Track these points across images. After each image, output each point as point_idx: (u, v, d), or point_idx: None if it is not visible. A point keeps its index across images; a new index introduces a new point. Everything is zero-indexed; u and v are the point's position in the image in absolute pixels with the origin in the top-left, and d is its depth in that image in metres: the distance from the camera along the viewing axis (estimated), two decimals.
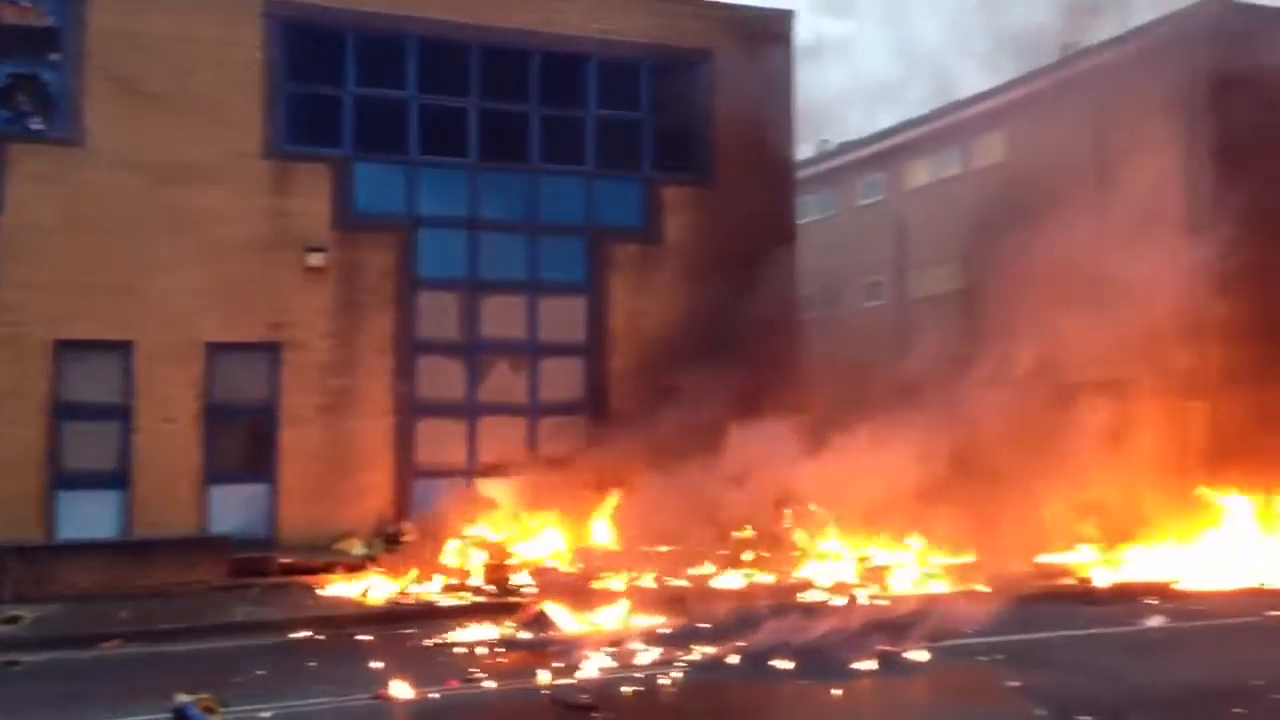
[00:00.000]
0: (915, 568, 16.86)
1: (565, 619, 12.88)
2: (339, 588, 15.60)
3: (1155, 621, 12.74)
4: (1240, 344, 20.09)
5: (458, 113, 19.75)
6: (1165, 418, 20.52)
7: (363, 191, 19.05)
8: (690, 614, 13.04)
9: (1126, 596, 14.84)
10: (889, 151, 30.90)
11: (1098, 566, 17.06)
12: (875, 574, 16.48)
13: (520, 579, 15.92)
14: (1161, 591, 15.22)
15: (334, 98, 19.10)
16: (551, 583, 15.32)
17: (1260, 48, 19.03)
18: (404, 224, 19.29)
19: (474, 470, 19.29)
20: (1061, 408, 18.28)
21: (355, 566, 16.54)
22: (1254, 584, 15.89)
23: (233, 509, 17.84)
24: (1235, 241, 19.26)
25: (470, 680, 10.07)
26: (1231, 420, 20.84)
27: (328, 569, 16.40)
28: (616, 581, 15.52)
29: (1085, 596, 15.00)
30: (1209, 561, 17.29)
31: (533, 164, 20.18)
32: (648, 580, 15.71)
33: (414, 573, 15.87)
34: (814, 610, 13.16)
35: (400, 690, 9.52)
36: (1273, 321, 19.66)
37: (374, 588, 15.48)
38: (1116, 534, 18.94)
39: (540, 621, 12.85)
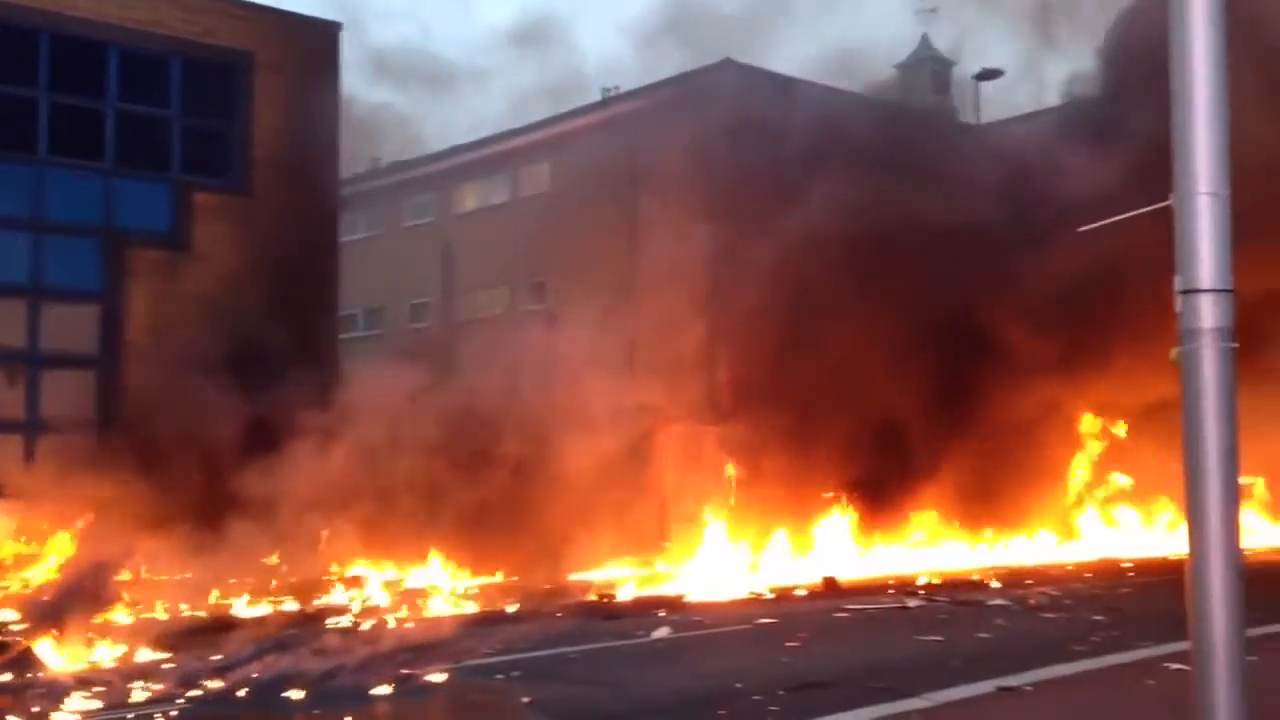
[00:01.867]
0: (448, 589, 16.91)
1: (55, 657, 11.60)
2: None
3: (662, 632, 13.55)
4: (746, 372, 22.03)
5: None
6: (685, 440, 22.12)
7: None
8: (202, 646, 12.19)
9: (642, 610, 15.74)
10: (440, 174, 31.13)
11: (625, 582, 18.01)
12: (407, 597, 16.34)
13: (5, 615, 14.18)
14: (673, 604, 16.30)
15: None
16: (43, 617, 13.75)
17: (767, 108, 21.19)
18: None
19: None
20: (598, 429, 19.20)
21: None
22: (749, 594, 17.43)
23: None
24: (744, 282, 21.22)
25: None
26: (739, 441, 22.88)
27: None
28: (123, 613, 14.23)
29: (605, 611, 15.72)
30: (716, 574, 18.83)
31: (39, 155, 18.23)
32: (161, 611, 14.56)
33: None
34: (337, 636, 12.79)
35: None
36: (770, 352, 21.65)
37: None
38: (647, 548, 20.19)
39: (24, 661, 11.48)
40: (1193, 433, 5.09)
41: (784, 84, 23.14)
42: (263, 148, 20.03)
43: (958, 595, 16.82)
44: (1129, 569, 20.63)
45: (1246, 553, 5.31)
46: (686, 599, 16.81)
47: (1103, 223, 5.90)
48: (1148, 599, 15.83)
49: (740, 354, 21.71)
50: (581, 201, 25.05)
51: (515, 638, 12.81)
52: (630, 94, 25.71)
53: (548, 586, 16.86)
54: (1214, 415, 5.06)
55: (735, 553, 20.05)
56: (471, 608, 15.76)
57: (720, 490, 22.46)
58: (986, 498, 23.64)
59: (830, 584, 18.14)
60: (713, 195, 22.08)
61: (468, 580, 17.36)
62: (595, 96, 28.25)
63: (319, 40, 20.84)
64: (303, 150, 20.16)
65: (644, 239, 23.21)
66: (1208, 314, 5.08)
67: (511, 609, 15.43)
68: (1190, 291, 5.11)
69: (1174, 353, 5.17)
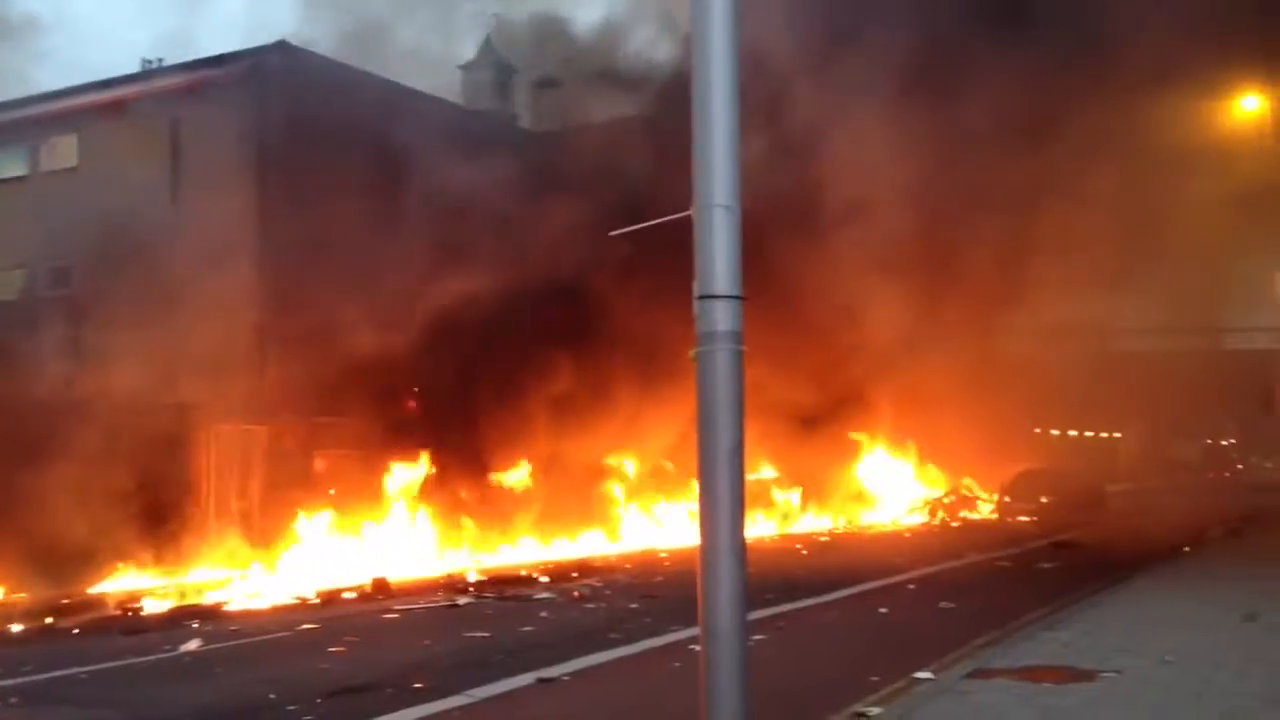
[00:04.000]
0: None
1: None
2: None
3: (192, 645, 12.65)
4: (301, 367, 21.17)
5: None
6: (227, 439, 20.94)
7: None
8: None
9: (173, 622, 14.62)
10: None
11: (154, 593, 16.66)
12: None
13: None
14: (208, 614, 15.28)
15: None
16: None
17: (323, 93, 20.53)
18: None
19: None
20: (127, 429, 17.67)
21: None
22: (294, 599, 16.75)
23: None
24: (298, 271, 20.38)
25: None
26: (292, 441, 22.00)
27: None
28: None
29: (129, 625, 14.44)
30: (259, 580, 17.94)
31: None
32: None
33: None
34: None
35: None
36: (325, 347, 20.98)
37: None
38: (183, 555, 18.81)
39: None
40: (706, 429, 5.41)
41: (342, 72, 22.51)
42: None
43: (506, 591, 17.11)
44: (665, 558, 21.98)
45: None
46: (225, 608, 15.85)
47: (630, 229, 6.15)
48: (680, 586, 16.93)
49: (294, 349, 20.83)
50: (116, 180, 22.93)
51: (18, 660, 11.45)
52: (174, 68, 23.85)
53: (64, 601, 15.25)
54: (725, 412, 5.41)
55: (280, 557, 19.22)
56: None
57: (268, 492, 21.50)
58: (500, 496, 24.33)
59: (381, 585, 17.79)
60: (262, 180, 21.01)
61: None
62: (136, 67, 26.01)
63: None
64: None
65: (188, 224, 21.64)
66: (721, 318, 5.42)
67: (17, 628, 13.81)
68: (706, 297, 5.44)
69: (692, 353, 5.48)
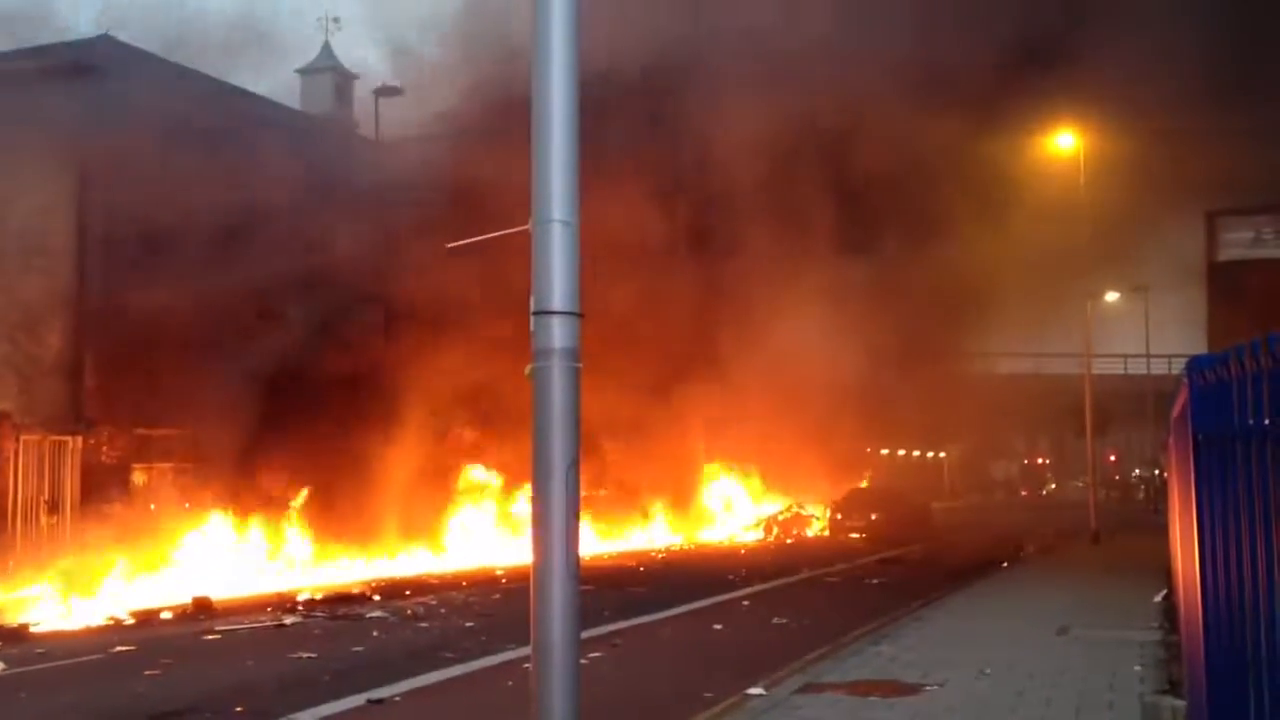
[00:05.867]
0: None
1: None
2: None
3: None
4: (120, 377, 20.22)
5: None
6: (37, 451, 19.86)
7: None
8: None
9: None
10: None
11: None
12: None
13: None
14: (13, 635, 14.41)
15: None
16: None
17: (147, 90, 19.70)
18: None
19: None
20: None
21: None
22: (106, 619, 15.94)
23: None
24: (120, 272, 19.47)
25: None
26: (108, 452, 20.98)
27: None
28: None
29: None
30: (70, 599, 17.02)
31: None
32: None
33: None
34: None
35: None
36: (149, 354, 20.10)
37: None
38: None
39: None
40: (541, 445, 5.34)
41: (168, 69, 21.68)
42: None
43: (337, 610, 16.65)
44: (502, 576, 21.76)
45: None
46: (32, 629, 14.96)
47: (467, 241, 6.06)
48: (516, 603, 16.78)
49: (115, 355, 19.89)
50: None
51: None
52: None
53: None
54: (560, 429, 5.35)
55: (94, 575, 18.23)
56: None
57: (81, 506, 20.45)
58: (377, 511, 23.84)
59: (202, 604, 17.05)
60: (81, 177, 19.99)
61: None
62: None
63: None
64: None
65: None
66: (557, 334, 5.37)
67: None
68: (542, 313, 5.38)
69: (528, 369, 5.41)
